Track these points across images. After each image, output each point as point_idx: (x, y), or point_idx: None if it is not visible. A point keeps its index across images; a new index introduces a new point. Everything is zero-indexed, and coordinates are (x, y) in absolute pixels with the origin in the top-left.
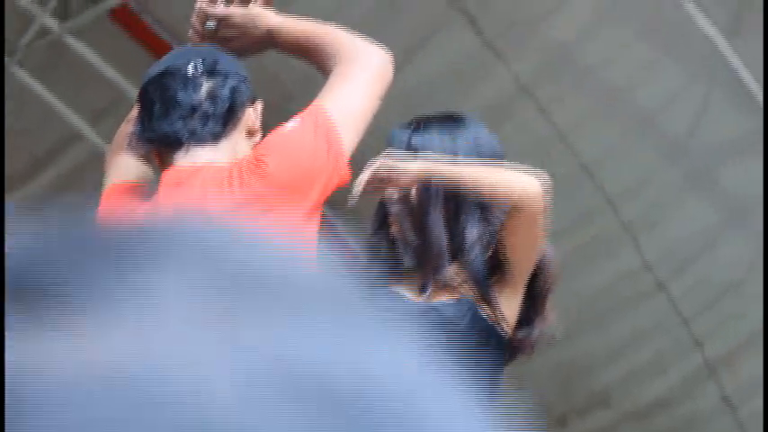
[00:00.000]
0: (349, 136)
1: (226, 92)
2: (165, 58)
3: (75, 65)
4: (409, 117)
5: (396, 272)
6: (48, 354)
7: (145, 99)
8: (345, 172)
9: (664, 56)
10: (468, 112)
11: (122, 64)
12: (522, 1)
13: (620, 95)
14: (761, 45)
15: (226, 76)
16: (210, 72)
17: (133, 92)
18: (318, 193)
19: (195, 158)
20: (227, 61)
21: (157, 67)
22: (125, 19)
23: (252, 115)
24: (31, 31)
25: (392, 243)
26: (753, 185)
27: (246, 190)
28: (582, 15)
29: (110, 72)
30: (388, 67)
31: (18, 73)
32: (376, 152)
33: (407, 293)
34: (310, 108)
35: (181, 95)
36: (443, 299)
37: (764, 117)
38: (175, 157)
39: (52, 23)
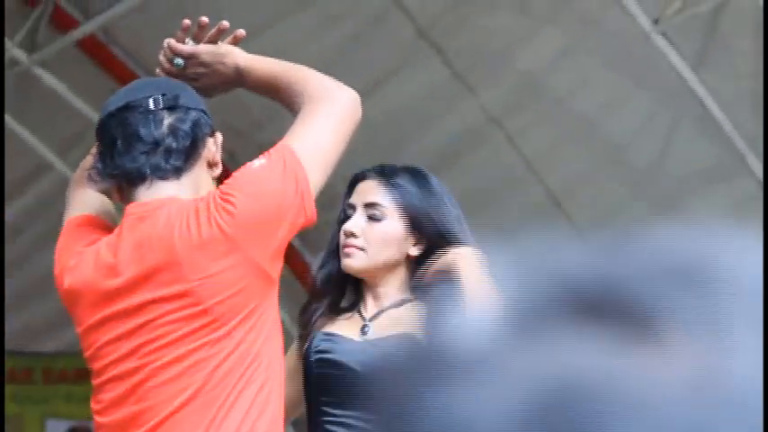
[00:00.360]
0: (316, 175)
1: (187, 126)
2: (122, 91)
3: (44, 96)
4: (377, 146)
5: (337, 309)
6: (647, 359)
7: (105, 134)
8: (312, 212)
9: (631, 86)
10: (438, 141)
11: (90, 94)
12: (491, 33)
13: (589, 125)
14: (725, 76)
15: (187, 110)
16: (171, 107)
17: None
18: (285, 232)
19: (158, 193)
20: (186, 95)
21: (116, 101)
22: (92, 50)
23: (212, 147)
24: None
25: (339, 277)
26: (720, 212)
27: (213, 227)
28: (550, 47)
29: (78, 102)
30: (357, 106)
31: None
32: (344, 182)
33: (346, 333)
34: (278, 146)
35: (143, 131)
36: (384, 335)
37: (764, 122)
38: (137, 191)
39: (20, 55)
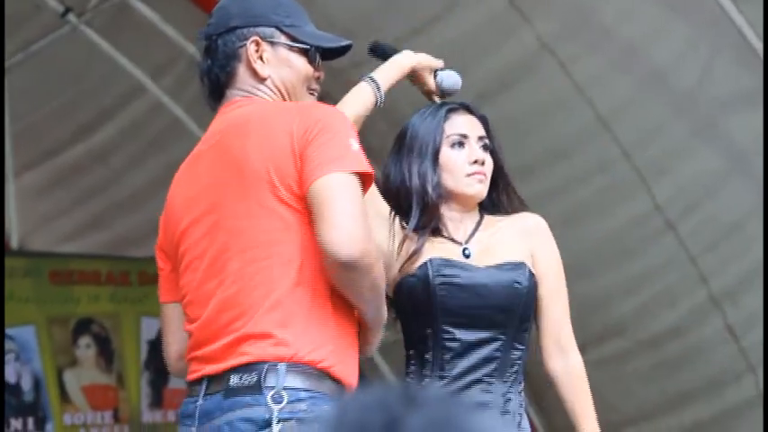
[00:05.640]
0: None
1: (221, 53)
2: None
3: (139, 25)
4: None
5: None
6: None
7: None
8: None
9: (674, 16)
10: (495, 67)
11: (181, 24)
12: None
13: (634, 53)
14: (762, 5)
15: (215, 39)
16: (205, 40)
17: (191, 49)
18: None
19: (230, 100)
20: (218, 17)
21: None
22: None
23: (251, 53)
24: None
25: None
26: (754, 135)
27: None
28: None
29: (170, 31)
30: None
31: (87, 32)
32: (404, 117)
33: (453, 257)
34: None
35: (199, 64)
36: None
37: (764, 72)
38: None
39: None
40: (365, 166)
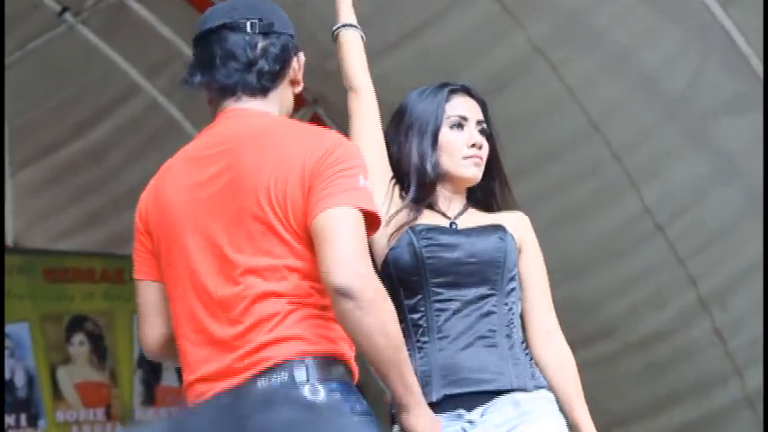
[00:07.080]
0: None
1: (278, 50)
2: (221, 8)
3: (135, 25)
4: (433, 75)
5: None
6: None
7: (204, 48)
8: None
9: (665, 21)
10: (488, 70)
11: (177, 24)
12: None
13: (626, 57)
14: (752, 12)
15: (278, 35)
16: (266, 33)
17: (187, 49)
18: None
19: (247, 106)
20: (279, 19)
21: (216, 18)
22: None
23: (296, 66)
24: None
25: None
26: (743, 140)
27: None
28: None
29: (166, 31)
30: None
31: (83, 32)
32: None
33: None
34: None
35: (239, 51)
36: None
37: (764, 77)
38: (226, 103)
39: None
40: (373, 206)
